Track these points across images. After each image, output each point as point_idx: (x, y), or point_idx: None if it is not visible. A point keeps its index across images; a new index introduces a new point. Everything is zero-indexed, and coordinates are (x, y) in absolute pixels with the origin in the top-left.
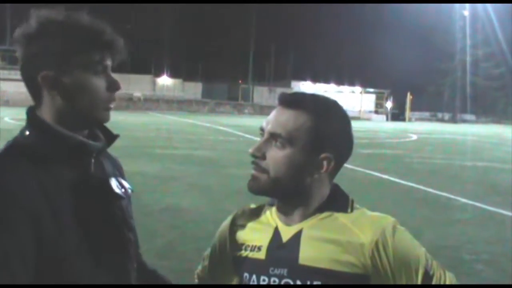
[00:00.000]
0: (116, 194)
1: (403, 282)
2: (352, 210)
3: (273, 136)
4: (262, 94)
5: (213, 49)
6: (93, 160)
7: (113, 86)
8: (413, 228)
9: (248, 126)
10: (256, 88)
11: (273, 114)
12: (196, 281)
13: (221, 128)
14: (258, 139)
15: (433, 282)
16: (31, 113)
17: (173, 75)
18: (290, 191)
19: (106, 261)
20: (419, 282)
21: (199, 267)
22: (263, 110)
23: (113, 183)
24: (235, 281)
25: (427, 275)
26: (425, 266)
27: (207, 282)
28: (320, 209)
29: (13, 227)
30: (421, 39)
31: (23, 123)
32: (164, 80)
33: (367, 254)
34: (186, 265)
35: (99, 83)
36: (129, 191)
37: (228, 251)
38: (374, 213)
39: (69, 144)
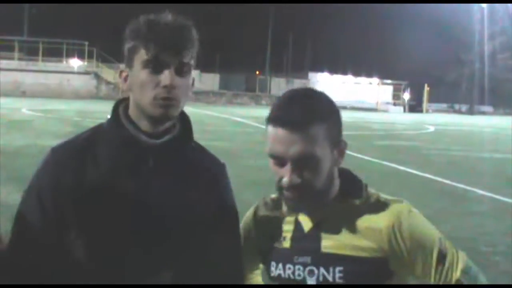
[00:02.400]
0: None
1: (419, 262)
2: (367, 195)
3: (301, 159)
4: (279, 85)
5: (231, 40)
6: (150, 156)
7: (161, 84)
8: (430, 220)
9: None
10: (273, 79)
11: (283, 137)
12: None
13: (239, 119)
14: None
15: (447, 261)
16: (115, 102)
17: None
18: (327, 189)
19: (127, 260)
20: (433, 262)
21: None
22: None
23: (159, 189)
24: (260, 269)
25: (441, 254)
26: (439, 246)
27: None
28: (337, 198)
29: (28, 210)
30: (439, 30)
31: (40, 114)
32: None
33: (385, 238)
34: None
35: (152, 79)
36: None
37: (254, 241)
38: (389, 197)
39: (120, 135)
